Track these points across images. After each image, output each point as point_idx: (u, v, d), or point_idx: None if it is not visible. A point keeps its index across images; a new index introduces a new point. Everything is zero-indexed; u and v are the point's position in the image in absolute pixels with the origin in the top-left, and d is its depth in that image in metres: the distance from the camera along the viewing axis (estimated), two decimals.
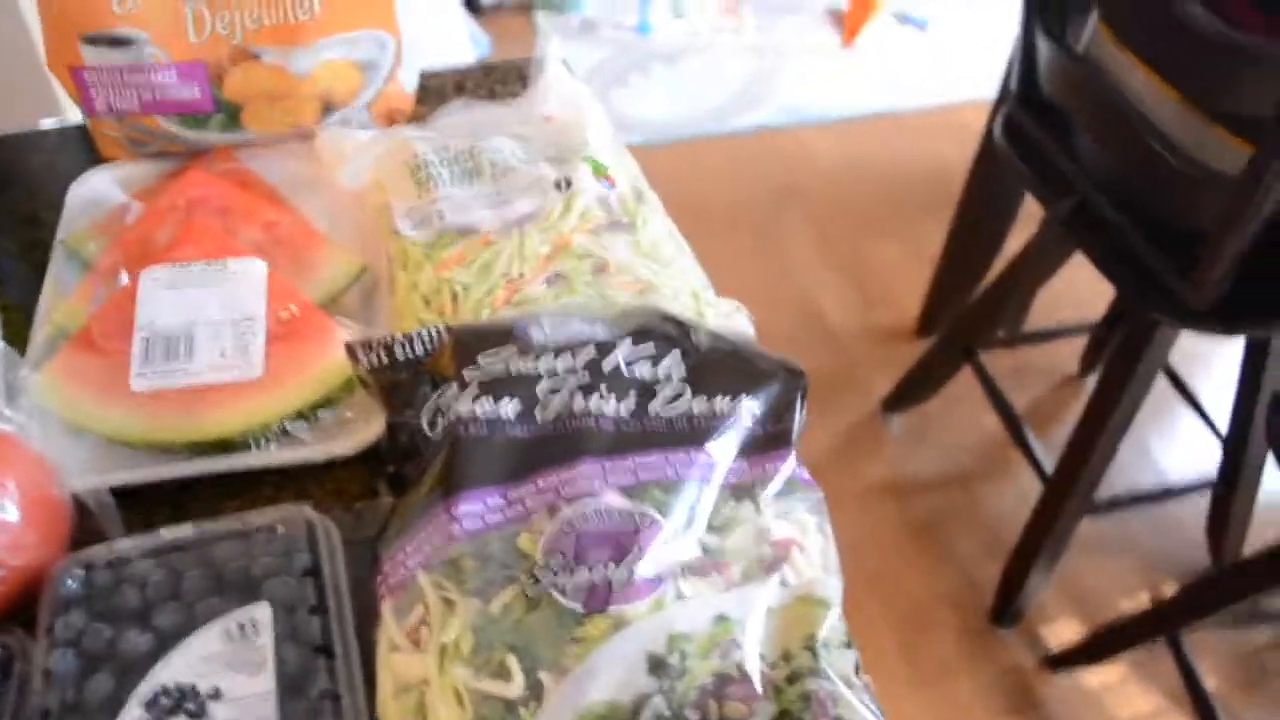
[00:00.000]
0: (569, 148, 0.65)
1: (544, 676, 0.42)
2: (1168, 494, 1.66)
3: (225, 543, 0.51)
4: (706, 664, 0.43)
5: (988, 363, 1.70)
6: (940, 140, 2.49)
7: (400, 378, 0.52)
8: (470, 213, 0.61)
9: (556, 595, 0.44)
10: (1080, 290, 1.82)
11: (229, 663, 0.46)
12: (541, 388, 0.50)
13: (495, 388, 0.49)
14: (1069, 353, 1.93)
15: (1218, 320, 1.22)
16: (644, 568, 0.44)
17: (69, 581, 0.50)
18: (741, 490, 0.48)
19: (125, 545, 0.51)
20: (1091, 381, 1.90)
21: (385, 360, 0.53)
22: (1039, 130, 1.40)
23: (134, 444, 0.57)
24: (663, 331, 0.53)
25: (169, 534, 0.51)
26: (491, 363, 0.50)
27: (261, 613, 0.48)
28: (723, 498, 0.48)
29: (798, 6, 2.90)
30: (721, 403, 0.50)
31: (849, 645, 0.45)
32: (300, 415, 0.58)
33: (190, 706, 0.45)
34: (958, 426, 1.83)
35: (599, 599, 0.44)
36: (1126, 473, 1.74)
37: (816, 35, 2.80)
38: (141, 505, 0.56)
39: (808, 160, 2.42)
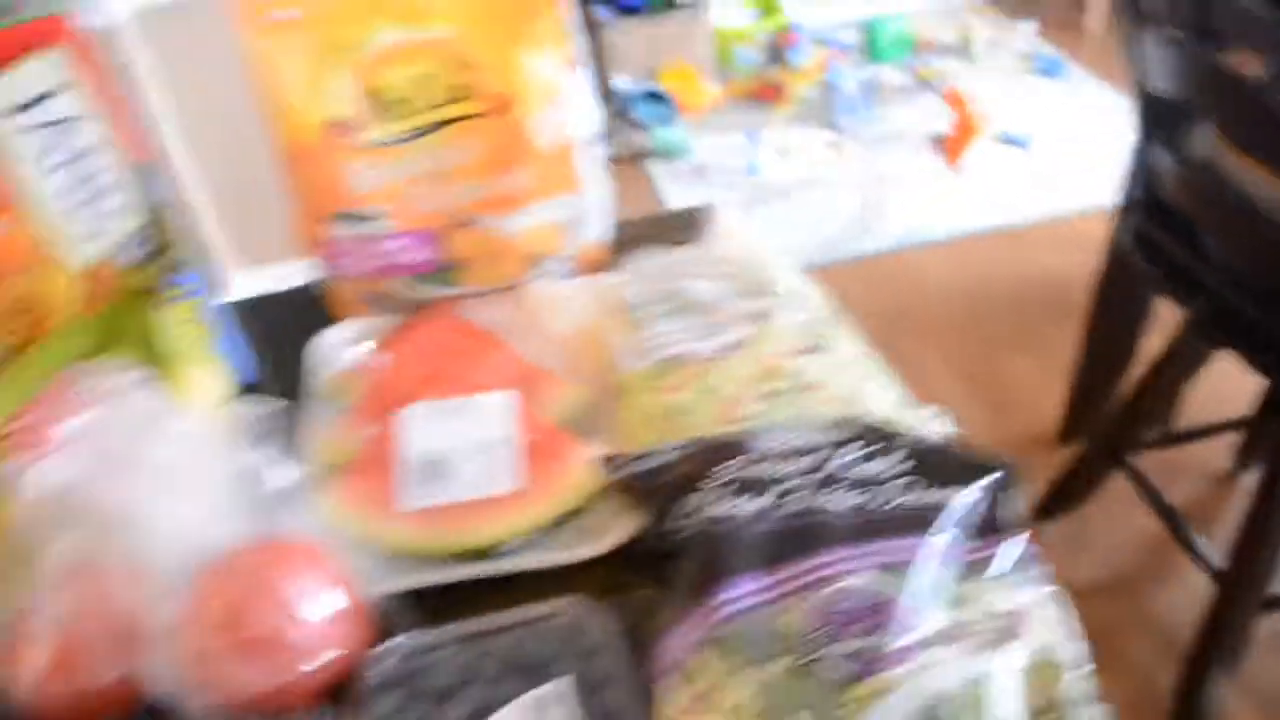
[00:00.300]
0: (759, 283, 0.73)
1: None
2: None
3: (513, 631, 0.58)
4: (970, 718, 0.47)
5: (1137, 464, 1.70)
6: (1053, 252, 2.53)
7: (653, 484, 0.59)
8: (681, 345, 0.69)
9: (825, 664, 0.49)
10: (1224, 386, 1.81)
11: None
12: (779, 489, 0.56)
13: (739, 489, 0.56)
14: (1218, 450, 1.92)
15: None
16: (895, 640, 0.50)
17: (380, 667, 0.57)
18: (974, 568, 0.54)
19: (426, 637, 0.58)
20: (1247, 477, 1.89)
21: (637, 469, 0.60)
22: (1165, 236, 1.44)
23: (408, 555, 0.64)
24: (875, 436, 0.60)
25: (465, 626, 0.58)
26: (731, 469, 0.57)
27: (557, 689, 0.54)
28: (957, 576, 0.53)
29: (898, 136, 3.01)
30: (941, 493, 0.56)
31: (1095, 704, 0.49)
32: (553, 524, 0.65)
33: None
34: (1115, 530, 1.82)
35: (865, 666, 0.49)
36: None
37: (920, 161, 2.89)
38: (409, 607, 0.63)
39: (923, 281, 2.48)
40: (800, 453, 0.58)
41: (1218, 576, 1.50)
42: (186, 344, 0.69)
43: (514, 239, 0.78)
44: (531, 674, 0.56)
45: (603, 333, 0.73)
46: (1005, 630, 0.51)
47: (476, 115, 0.73)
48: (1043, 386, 2.07)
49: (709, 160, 2.98)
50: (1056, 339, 2.02)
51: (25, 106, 0.66)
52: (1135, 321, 1.82)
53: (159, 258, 0.74)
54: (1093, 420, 1.91)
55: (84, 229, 0.71)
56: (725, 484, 0.56)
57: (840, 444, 0.58)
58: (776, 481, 0.56)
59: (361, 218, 0.76)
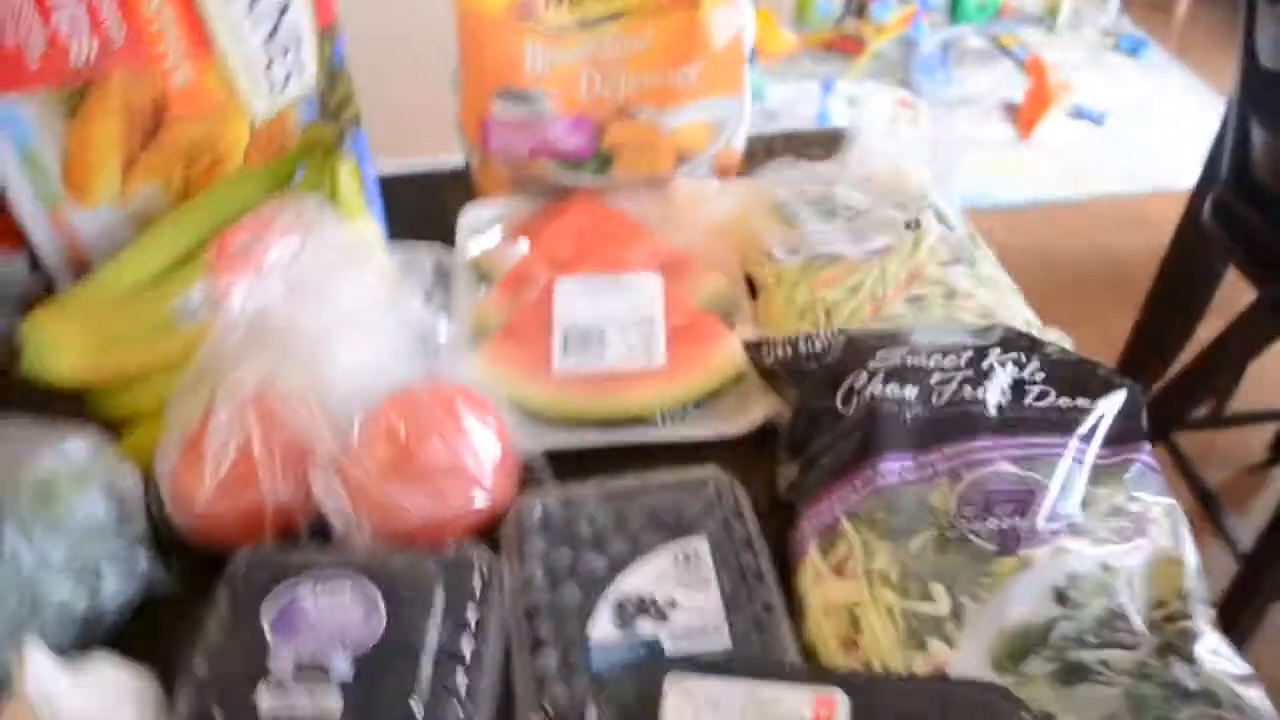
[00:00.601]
0: (910, 195, 0.76)
1: (965, 600, 0.52)
2: None
3: (657, 492, 0.62)
4: (1099, 601, 0.52)
5: (1179, 442, 1.74)
6: (1118, 231, 2.54)
7: (807, 368, 0.63)
8: (833, 245, 0.73)
9: (972, 538, 0.54)
10: (1271, 376, 1.84)
11: (679, 580, 0.57)
12: (934, 379, 0.60)
13: (897, 376, 0.60)
14: (1256, 439, 1.95)
15: None
16: (1037, 523, 0.54)
17: (533, 513, 0.61)
18: (1106, 472, 0.58)
19: (575, 489, 0.63)
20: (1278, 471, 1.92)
21: (789, 354, 0.64)
22: (1251, 212, 1.46)
23: (555, 417, 0.69)
24: (1017, 343, 0.63)
25: (613, 483, 0.62)
26: (888, 358, 0.61)
27: (700, 544, 0.59)
28: (1090, 476, 0.57)
29: (973, 100, 3.01)
30: (1079, 401, 0.60)
31: (1209, 603, 0.54)
32: (694, 402, 0.69)
33: (652, 612, 0.56)
34: None
35: (1009, 542, 0.53)
36: None
37: (992, 126, 2.89)
38: (551, 466, 0.67)
39: None
40: (950, 350, 0.62)
41: (1243, 559, 1.54)
42: (355, 201, 0.73)
43: (669, 134, 0.82)
44: (673, 530, 0.60)
45: (753, 227, 0.76)
46: (1133, 528, 0.56)
47: (659, 9, 0.76)
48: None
49: (780, 107, 2.98)
50: (1112, 316, 2.05)
51: None
52: (1198, 302, 1.84)
53: (336, 116, 0.78)
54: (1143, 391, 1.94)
55: (270, 82, 0.75)
56: (882, 371, 0.60)
57: (987, 346, 0.62)
58: (929, 372, 0.60)
59: (526, 98, 0.80)
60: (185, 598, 0.59)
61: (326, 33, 0.76)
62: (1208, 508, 1.68)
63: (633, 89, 0.80)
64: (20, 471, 0.55)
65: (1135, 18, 3.38)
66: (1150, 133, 2.84)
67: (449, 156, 0.92)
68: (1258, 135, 1.43)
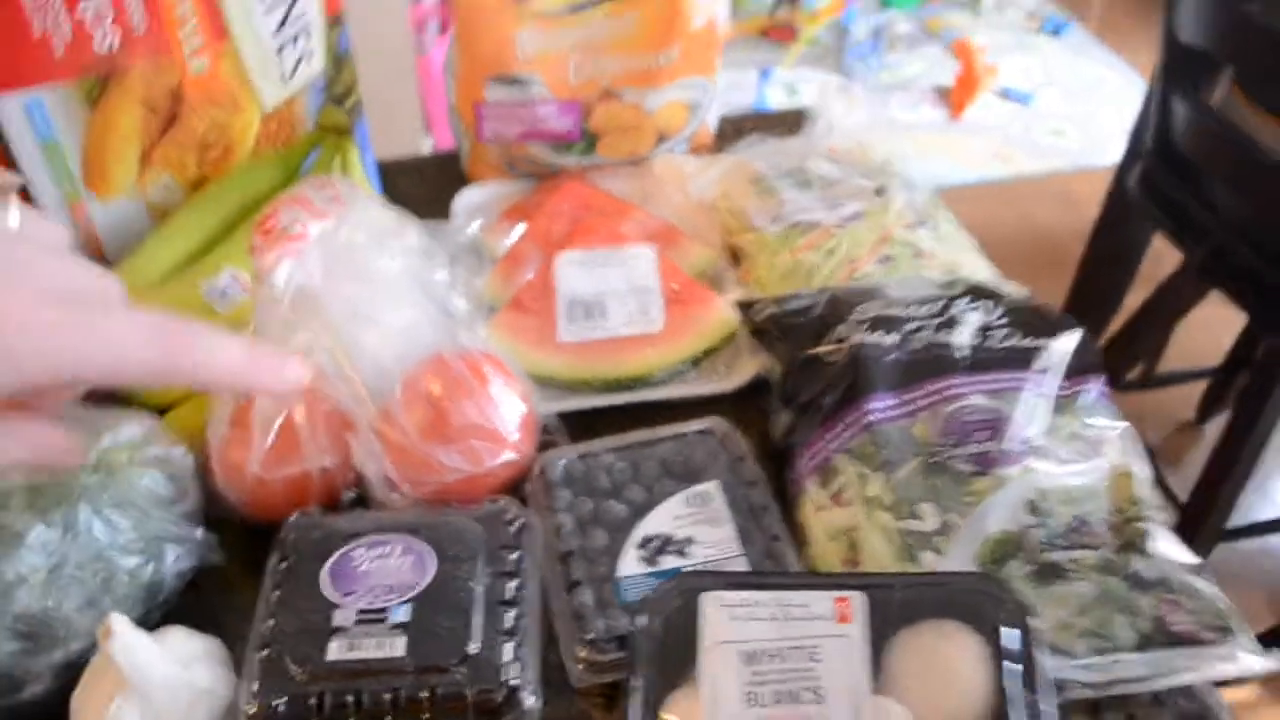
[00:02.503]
0: (874, 166, 0.84)
1: (950, 517, 0.59)
2: None
3: (667, 444, 0.68)
4: (1065, 510, 0.59)
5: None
6: (1045, 207, 2.66)
7: (795, 323, 0.70)
8: (810, 213, 0.80)
9: (952, 463, 0.61)
10: (1194, 340, 1.95)
11: (694, 520, 0.63)
12: (910, 327, 0.67)
13: (877, 325, 0.67)
14: (1183, 399, 2.07)
15: None
16: (1010, 445, 0.61)
17: (556, 468, 0.67)
18: (1064, 401, 0.65)
19: (592, 445, 0.69)
20: (1209, 428, 2.04)
21: (778, 311, 0.71)
22: (1173, 181, 1.56)
23: (564, 382, 0.75)
24: (980, 293, 0.71)
25: (626, 438, 0.69)
26: (868, 310, 0.68)
27: (711, 487, 0.65)
28: (1052, 405, 0.65)
29: (905, 84, 3.11)
30: (1039, 340, 0.67)
31: (1162, 508, 0.61)
32: (691, 361, 0.75)
33: (674, 548, 0.62)
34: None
35: (985, 465, 0.61)
36: (1256, 513, 1.86)
37: (924, 110, 3.00)
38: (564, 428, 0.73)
39: None
40: (922, 302, 0.69)
41: (1182, 509, 1.65)
42: (367, 184, 0.78)
43: (649, 114, 0.88)
44: (685, 477, 0.66)
45: (735, 200, 0.83)
46: (1090, 449, 0.63)
47: None
48: None
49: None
50: (1044, 289, 2.14)
51: None
52: (1126, 270, 1.95)
53: (340, 104, 0.83)
54: None
55: (281, 69, 0.79)
56: (863, 321, 0.67)
57: (954, 297, 0.69)
58: (905, 321, 0.67)
59: (518, 82, 0.85)
60: (235, 572, 0.64)
61: (334, 21, 0.81)
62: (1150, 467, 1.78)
63: (618, 71, 0.86)
64: (89, 446, 0.59)
65: (1058, 0, 3.51)
66: (1074, 111, 2.97)
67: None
68: (1179, 108, 1.52)
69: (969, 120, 2.94)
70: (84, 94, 0.71)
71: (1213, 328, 2.03)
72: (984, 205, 2.67)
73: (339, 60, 0.83)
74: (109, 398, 0.68)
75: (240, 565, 0.64)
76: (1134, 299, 1.82)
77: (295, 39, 0.79)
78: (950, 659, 0.50)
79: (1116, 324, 1.86)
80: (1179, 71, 1.51)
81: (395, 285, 0.67)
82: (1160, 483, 1.68)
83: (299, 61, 0.80)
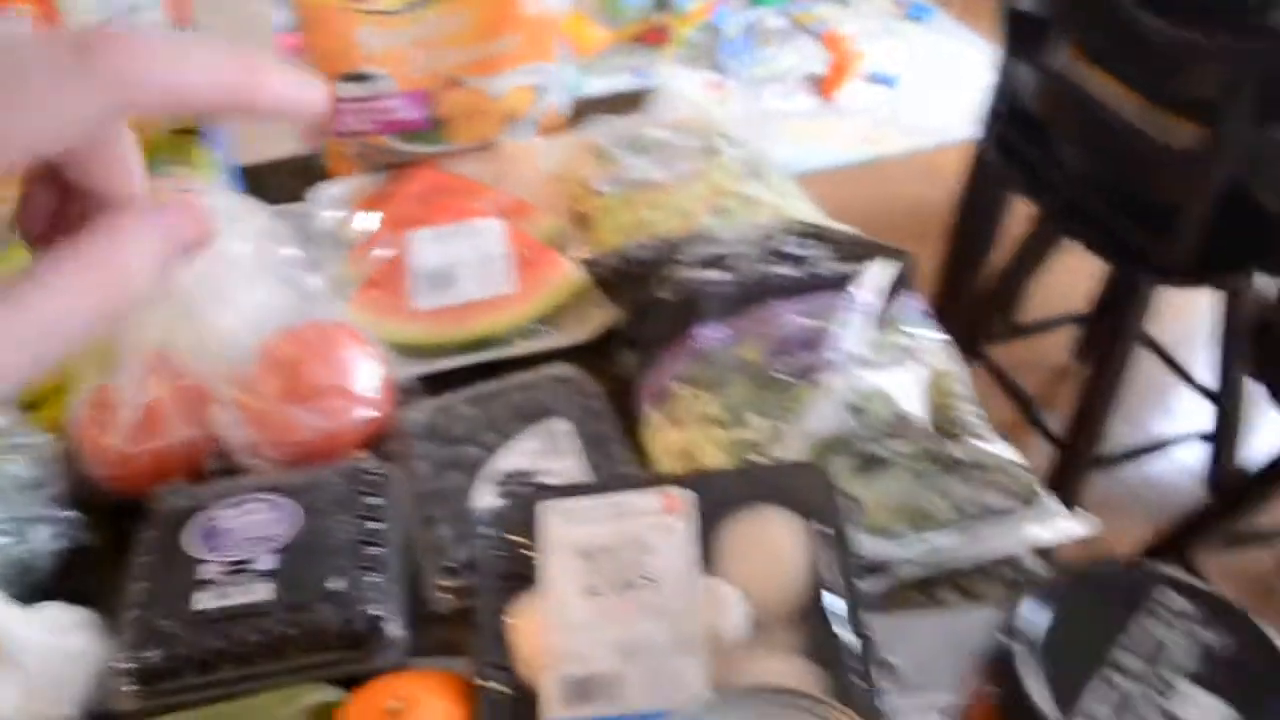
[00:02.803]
0: (705, 128, 0.89)
1: (778, 424, 0.64)
2: (1165, 444, 1.87)
3: (519, 390, 0.72)
4: (884, 409, 0.65)
5: (993, 357, 1.93)
6: (915, 183, 2.76)
7: (635, 271, 0.74)
8: (647, 174, 0.84)
9: (777, 376, 0.66)
10: (1064, 286, 2.06)
11: (546, 453, 0.68)
12: (736, 263, 0.72)
13: (708, 264, 0.72)
14: (1058, 345, 2.17)
15: (1195, 275, 1.46)
16: (830, 355, 0.66)
17: (413, 421, 0.71)
18: (883, 317, 0.71)
19: (447, 398, 0.72)
20: (1084, 371, 2.14)
21: (619, 262, 0.75)
22: (1023, 141, 1.65)
23: (423, 347, 0.78)
24: (805, 230, 0.76)
25: (479, 388, 0.73)
26: (699, 252, 0.73)
27: (561, 424, 0.69)
28: (872, 321, 0.70)
29: (778, 76, 3.20)
30: (858, 265, 0.73)
31: (975, 404, 0.67)
32: (542, 319, 0.79)
33: (526, 480, 0.66)
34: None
35: (806, 374, 0.66)
36: (1125, 438, 1.95)
37: (798, 99, 3.09)
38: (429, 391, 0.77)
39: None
40: (749, 240, 0.74)
41: (1059, 443, 1.75)
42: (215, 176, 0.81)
43: (495, 99, 0.92)
44: (537, 418, 0.71)
45: (577, 170, 0.88)
46: (908, 356, 0.69)
47: None
48: None
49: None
50: (919, 259, 2.24)
51: None
52: (989, 230, 2.04)
53: None
54: (953, 318, 2.13)
55: None
56: (695, 262, 0.72)
57: (779, 233, 0.75)
58: (733, 258, 0.72)
59: (366, 78, 0.89)
60: (109, 551, 0.66)
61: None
62: (1026, 409, 1.87)
63: (459, 60, 0.90)
64: None
65: None
66: (938, 90, 3.08)
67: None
68: (1024, 73, 1.61)
69: (840, 105, 3.04)
70: None
71: (1077, 276, 2.13)
72: (857, 185, 2.77)
73: None
74: None
75: (113, 545, 0.66)
76: (1000, 257, 1.91)
77: None
78: (772, 540, 0.54)
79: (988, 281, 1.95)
80: (1018, 35, 1.59)
81: (246, 265, 0.70)
82: (1037, 423, 1.77)
83: None
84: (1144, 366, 2.08)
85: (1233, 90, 1.26)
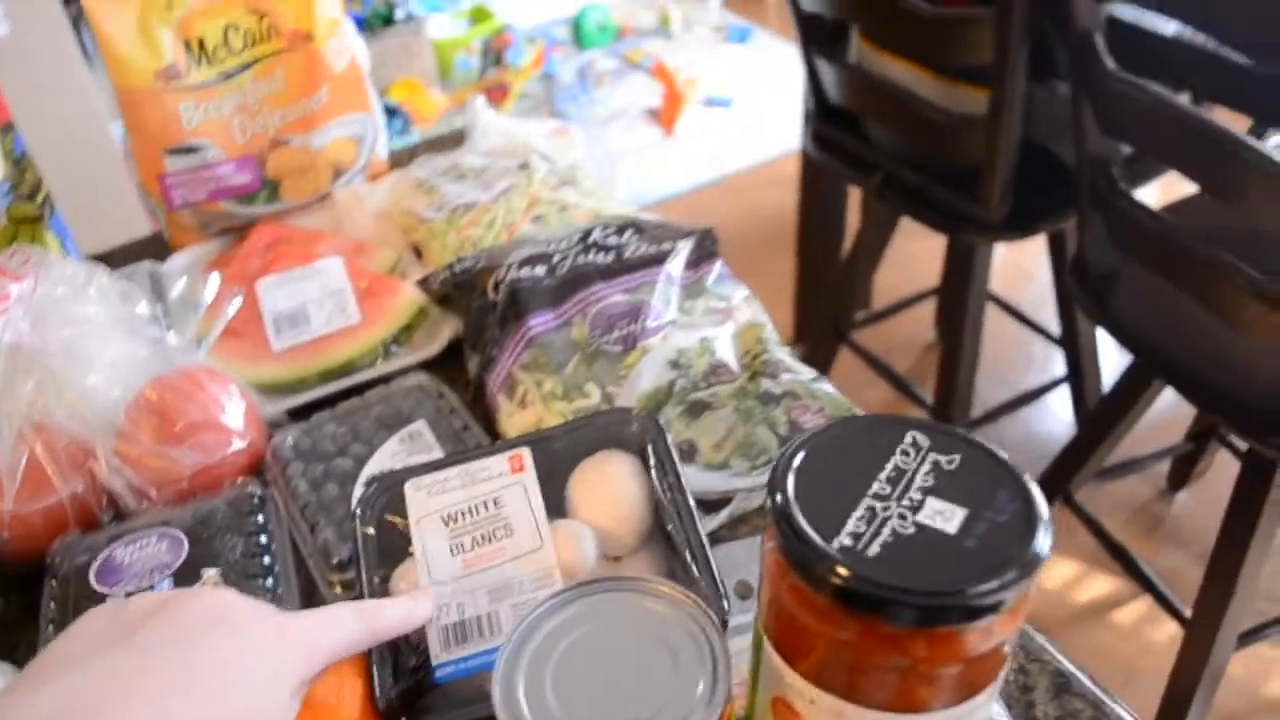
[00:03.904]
0: (516, 147, 0.96)
1: (611, 389, 0.71)
2: (1033, 396, 2.00)
3: (379, 403, 0.78)
4: (702, 360, 0.72)
5: (859, 342, 2.04)
6: (763, 193, 2.90)
7: (464, 281, 0.81)
8: (467, 197, 0.91)
9: (606, 347, 0.73)
10: (914, 272, 2.18)
11: (409, 453, 0.73)
12: (555, 258, 0.79)
13: (527, 263, 0.79)
14: (922, 322, 2.30)
15: (1014, 228, 1.58)
16: (649, 324, 0.74)
17: (285, 445, 0.76)
18: (693, 285, 0.79)
19: (314, 420, 0.78)
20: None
21: (449, 275, 0.82)
22: (838, 132, 1.77)
23: (286, 384, 0.84)
24: (618, 223, 0.84)
25: (341, 407, 0.78)
26: (519, 254, 0.80)
27: (419, 426, 0.75)
28: (682, 291, 0.78)
29: (617, 114, 3.31)
30: (667, 245, 0.81)
31: (784, 345, 0.75)
32: (393, 340, 0.85)
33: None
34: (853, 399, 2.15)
35: (630, 342, 0.73)
36: (996, 398, 2.08)
37: (639, 133, 3.20)
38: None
39: None
40: (565, 238, 0.81)
41: (930, 409, 1.86)
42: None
43: (319, 153, 0.98)
44: (398, 425, 0.77)
45: (404, 204, 0.94)
46: (722, 315, 0.77)
47: (279, 51, 0.93)
48: (773, 302, 2.39)
49: None
50: (778, 262, 2.35)
51: None
52: (834, 221, 2.17)
53: (31, 199, 0.90)
54: (815, 310, 2.24)
55: None
56: (515, 263, 0.79)
57: (592, 229, 0.82)
58: (551, 255, 0.80)
59: (192, 149, 0.94)
60: (14, 615, 0.70)
61: (6, 128, 0.88)
62: (900, 387, 1.98)
63: (279, 121, 0.96)
64: None
65: (736, 10, 3.81)
66: (772, 103, 3.24)
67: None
68: (824, 68, 1.73)
69: (681, 133, 3.17)
70: None
71: (926, 257, 2.27)
72: (712, 203, 2.89)
73: (18, 162, 0.90)
74: None
75: (19, 609, 0.70)
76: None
77: None
78: (611, 477, 0.61)
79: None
80: (809, 34, 1.72)
81: (102, 325, 0.75)
82: (914, 397, 1.87)
83: None
84: (1005, 329, 2.22)
85: (1004, 55, 1.39)
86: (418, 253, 0.95)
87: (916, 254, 2.41)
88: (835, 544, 0.40)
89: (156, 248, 1.03)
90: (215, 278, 0.92)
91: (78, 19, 2.85)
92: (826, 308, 2.06)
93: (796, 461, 0.44)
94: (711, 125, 3.19)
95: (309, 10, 0.94)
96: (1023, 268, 2.50)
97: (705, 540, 0.57)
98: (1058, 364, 2.06)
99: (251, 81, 0.94)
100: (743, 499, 0.69)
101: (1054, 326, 1.96)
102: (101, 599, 0.64)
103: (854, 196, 2.10)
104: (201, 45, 0.91)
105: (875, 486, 0.44)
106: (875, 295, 2.32)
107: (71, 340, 0.73)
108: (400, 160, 1.10)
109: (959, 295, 1.73)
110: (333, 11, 0.95)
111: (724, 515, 0.69)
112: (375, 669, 0.55)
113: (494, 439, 0.75)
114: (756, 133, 3.12)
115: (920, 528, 0.41)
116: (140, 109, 0.92)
